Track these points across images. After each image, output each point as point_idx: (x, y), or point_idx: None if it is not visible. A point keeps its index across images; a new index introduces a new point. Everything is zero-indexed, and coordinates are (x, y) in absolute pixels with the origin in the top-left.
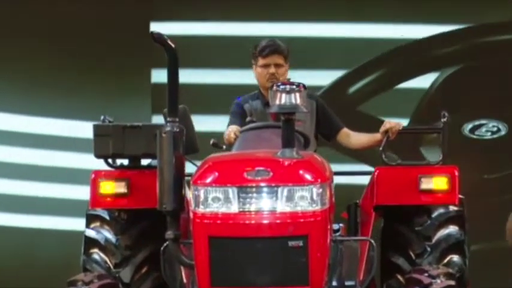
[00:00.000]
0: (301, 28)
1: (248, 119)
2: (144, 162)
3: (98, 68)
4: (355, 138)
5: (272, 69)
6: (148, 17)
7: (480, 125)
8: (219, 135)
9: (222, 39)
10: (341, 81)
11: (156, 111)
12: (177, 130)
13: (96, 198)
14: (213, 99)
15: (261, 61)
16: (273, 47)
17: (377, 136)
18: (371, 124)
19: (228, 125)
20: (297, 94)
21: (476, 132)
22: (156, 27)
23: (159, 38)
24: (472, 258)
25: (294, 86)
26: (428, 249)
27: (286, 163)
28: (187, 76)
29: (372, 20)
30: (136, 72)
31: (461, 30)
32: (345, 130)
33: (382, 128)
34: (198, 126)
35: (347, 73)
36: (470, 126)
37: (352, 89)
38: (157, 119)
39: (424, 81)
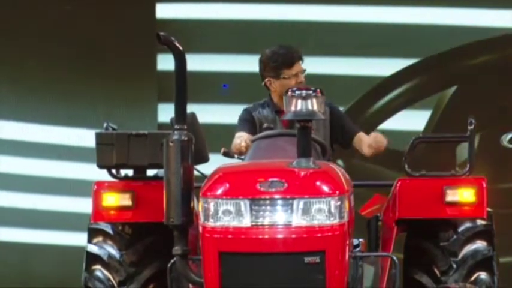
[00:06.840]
0: (317, 10)
1: (265, 125)
2: (150, 172)
3: (99, 54)
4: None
5: (301, 78)
6: None
7: None
8: (225, 127)
9: (233, 23)
10: (360, 102)
11: (163, 99)
12: (185, 139)
13: (99, 211)
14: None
15: (287, 72)
16: (295, 53)
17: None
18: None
19: (236, 133)
20: (314, 100)
21: None
22: (162, 8)
23: (165, 39)
24: (502, 275)
25: (311, 92)
26: (454, 266)
27: (302, 174)
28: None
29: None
30: (141, 58)
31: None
32: (360, 135)
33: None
34: (204, 116)
35: (365, 94)
36: (509, 136)
37: (372, 110)
38: (164, 108)
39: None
